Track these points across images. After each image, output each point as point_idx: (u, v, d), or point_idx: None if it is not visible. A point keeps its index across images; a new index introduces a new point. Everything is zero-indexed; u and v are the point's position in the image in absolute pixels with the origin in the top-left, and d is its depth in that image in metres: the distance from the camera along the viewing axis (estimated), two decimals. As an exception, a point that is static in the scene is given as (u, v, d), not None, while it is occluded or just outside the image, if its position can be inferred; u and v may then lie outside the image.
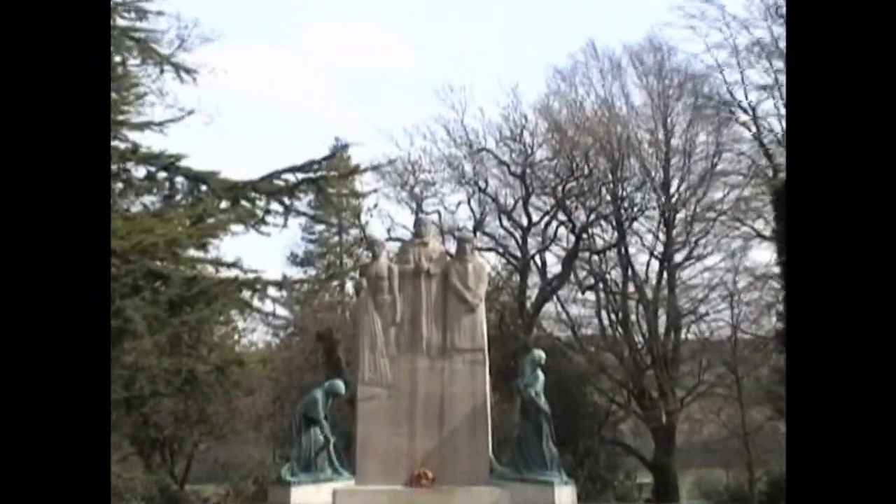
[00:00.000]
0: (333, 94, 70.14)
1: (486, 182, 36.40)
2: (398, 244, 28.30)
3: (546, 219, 36.26)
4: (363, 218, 38.56)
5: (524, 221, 36.21)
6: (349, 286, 35.05)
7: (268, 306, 24.21)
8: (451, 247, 22.49)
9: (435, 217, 34.46)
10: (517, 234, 36.43)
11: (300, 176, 22.95)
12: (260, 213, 22.70)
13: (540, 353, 16.69)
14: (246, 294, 22.71)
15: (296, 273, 40.50)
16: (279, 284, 23.39)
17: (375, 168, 31.23)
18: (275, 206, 22.86)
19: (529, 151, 35.98)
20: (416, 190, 36.16)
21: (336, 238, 41.84)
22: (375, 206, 37.89)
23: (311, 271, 42.19)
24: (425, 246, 16.80)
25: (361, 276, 16.94)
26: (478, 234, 34.87)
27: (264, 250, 56.60)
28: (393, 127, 50.62)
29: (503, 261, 37.89)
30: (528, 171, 35.65)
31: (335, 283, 37.16)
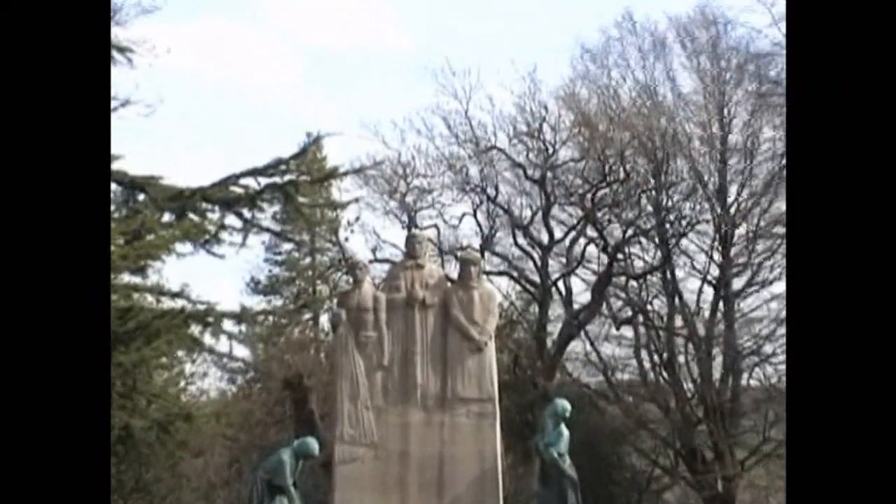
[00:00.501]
0: (306, 78, 70.51)
1: (497, 189, 36.49)
2: (386, 267, 28.40)
3: (572, 235, 36.30)
4: (342, 234, 38.72)
5: (544, 238, 36.24)
6: (324, 320, 35.05)
7: (223, 345, 24.31)
8: (453, 270, 22.49)
9: (432, 233, 34.48)
10: (535, 255, 36.44)
11: (263, 181, 23.00)
12: (212, 228, 22.74)
13: (564, 405, 16.74)
14: (195, 329, 22.75)
15: (257, 303, 40.44)
16: (237, 317, 23.43)
17: (358, 171, 31.36)
18: (231, 219, 22.92)
19: (551, 151, 36.06)
20: (409, 199, 36.21)
21: (308, 260, 41.89)
22: (357, 219, 37.77)
23: (277, 301, 42.20)
24: (420, 269, 16.83)
25: (340, 308, 16.97)
26: (486, 254, 34.90)
27: (218, 275, 56.69)
28: (380, 120, 50.55)
29: (518, 288, 37.96)
30: (548, 175, 35.71)
31: (307, 315, 37.20)
